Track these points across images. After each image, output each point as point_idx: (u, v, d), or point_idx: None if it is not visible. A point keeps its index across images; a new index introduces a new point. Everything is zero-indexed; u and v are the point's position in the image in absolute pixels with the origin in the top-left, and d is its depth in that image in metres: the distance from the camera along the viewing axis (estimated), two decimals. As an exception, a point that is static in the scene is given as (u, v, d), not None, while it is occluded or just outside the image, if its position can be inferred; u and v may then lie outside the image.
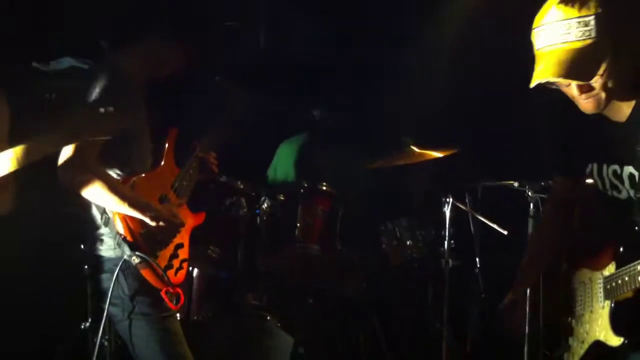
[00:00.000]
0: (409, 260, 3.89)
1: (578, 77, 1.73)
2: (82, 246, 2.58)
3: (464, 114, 4.19)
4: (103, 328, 2.49)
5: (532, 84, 1.77)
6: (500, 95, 4.01)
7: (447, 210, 3.67)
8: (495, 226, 3.60)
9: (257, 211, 3.62)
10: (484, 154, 4.07)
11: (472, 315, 3.87)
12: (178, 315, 2.65)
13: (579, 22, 1.70)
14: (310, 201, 3.65)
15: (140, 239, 2.35)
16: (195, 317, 3.44)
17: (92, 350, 2.61)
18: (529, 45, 1.82)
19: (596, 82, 1.74)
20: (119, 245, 2.35)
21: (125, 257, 2.33)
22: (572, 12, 1.71)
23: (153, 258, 2.36)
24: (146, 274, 2.36)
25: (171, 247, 2.50)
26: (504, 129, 4.10)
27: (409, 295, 3.88)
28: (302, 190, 3.67)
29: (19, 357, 3.40)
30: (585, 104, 1.81)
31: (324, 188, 3.69)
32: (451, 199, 3.67)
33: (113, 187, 2.29)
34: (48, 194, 2.31)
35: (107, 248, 2.43)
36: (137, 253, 2.31)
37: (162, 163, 2.57)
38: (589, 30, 1.69)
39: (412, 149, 3.58)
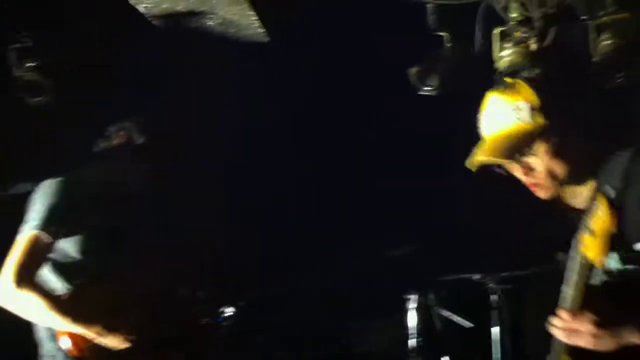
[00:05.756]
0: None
1: (502, 156, 1.77)
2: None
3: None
4: None
5: (469, 166, 1.81)
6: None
7: (412, 308, 3.70)
8: (458, 319, 3.61)
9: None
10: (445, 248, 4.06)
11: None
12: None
13: (514, 109, 1.78)
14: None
15: (87, 352, 2.32)
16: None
17: None
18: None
19: (535, 163, 1.77)
20: (66, 360, 2.33)
21: (73, 373, 2.30)
22: (507, 99, 1.79)
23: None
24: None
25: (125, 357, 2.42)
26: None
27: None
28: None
29: None
30: (534, 188, 1.82)
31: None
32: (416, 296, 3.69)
33: (54, 304, 2.24)
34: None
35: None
36: (84, 370, 2.29)
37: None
38: (523, 114, 1.76)
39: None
